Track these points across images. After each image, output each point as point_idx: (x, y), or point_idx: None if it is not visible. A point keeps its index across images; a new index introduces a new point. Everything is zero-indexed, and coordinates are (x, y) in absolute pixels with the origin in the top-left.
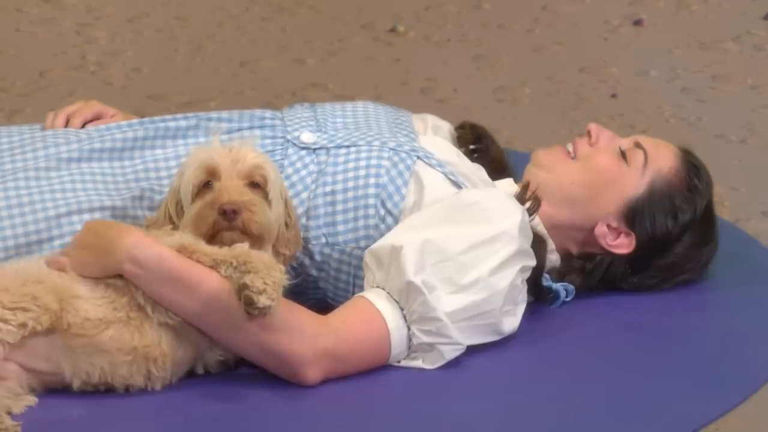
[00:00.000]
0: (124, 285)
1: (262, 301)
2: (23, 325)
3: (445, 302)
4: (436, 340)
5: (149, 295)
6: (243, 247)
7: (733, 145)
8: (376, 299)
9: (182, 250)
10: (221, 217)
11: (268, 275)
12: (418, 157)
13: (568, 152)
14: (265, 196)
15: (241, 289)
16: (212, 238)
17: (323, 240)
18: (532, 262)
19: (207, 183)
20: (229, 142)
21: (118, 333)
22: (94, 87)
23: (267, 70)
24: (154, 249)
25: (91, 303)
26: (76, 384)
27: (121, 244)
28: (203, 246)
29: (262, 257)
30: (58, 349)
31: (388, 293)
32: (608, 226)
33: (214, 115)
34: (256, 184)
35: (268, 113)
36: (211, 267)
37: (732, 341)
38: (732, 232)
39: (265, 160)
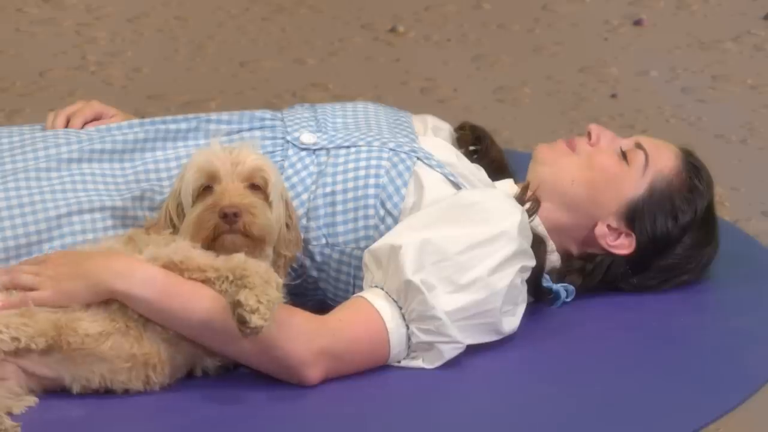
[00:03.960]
0: (117, 300)
1: (255, 320)
2: (16, 339)
3: (444, 301)
4: (435, 339)
5: (143, 315)
6: (240, 258)
7: (733, 145)
8: (375, 299)
9: (172, 266)
10: (222, 220)
11: (263, 293)
12: (418, 158)
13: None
14: (266, 198)
15: (235, 306)
16: (213, 241)
17: (323, 241)
18: (532, 263)
19: (207, 186)
20: (230, 145)
21: (118, 343)
22: (94, 87)
23: (267, 70)
24: (145, 270)
25: (88, 321)
26: (75, 389)
27: (110, 267)
28: (197, 259)
29: (260, 269)
30: (57, 358)
31: (387, 293)
32: (608, 226)
33: (213, 116)
34: (257, 186)
35: (268, 114)
36: (204, 282)
37: (732, 341)
38: (732, 232)
39: (266, 161)
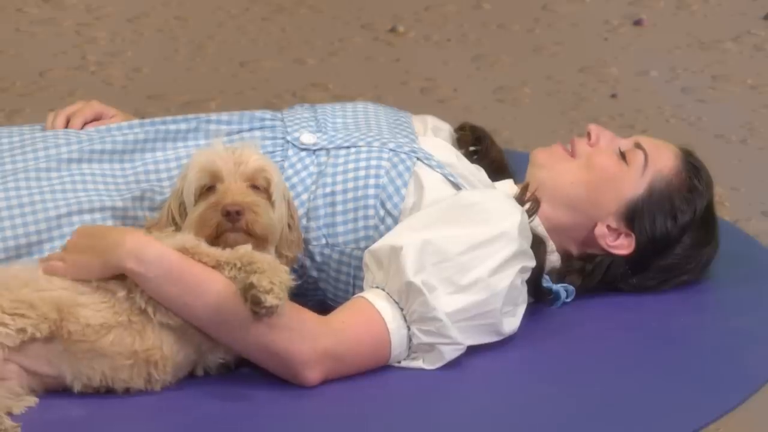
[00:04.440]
0: (124, 288)
1: (270, 300)
2: (22, 330)
3: (445, 302)
4: (436, 340)
5: (152, 295)
6: (246, 249)
7: (733, 145)
8: (376, 300)
9: (184, 251)
10: (225, 218)
11: (274, 275)
12: (418, 158)
13: (567, 150)
14: (268, 198)
15: (248, 289)
16: (216, 239)
17: (323, 241)
18: (532, 263)
19: (210, 186)
20: (232, 145)
21: (119, 337)
22: (94, 87)
23: (267, 70)
24: (158, 248)
25: (91, 309)
26: (76, 387)
27: (123, 243)
28: (205, 247)
29: (266, 258)
30: (59, 353)
31: (388, 294)
32: (608, 226)
33: (213, 117)
34: (258, 187)
35: (268, 114)
36: (214, 267)
37: (732, 341)
38: (732, 232)
39: (268, 162)
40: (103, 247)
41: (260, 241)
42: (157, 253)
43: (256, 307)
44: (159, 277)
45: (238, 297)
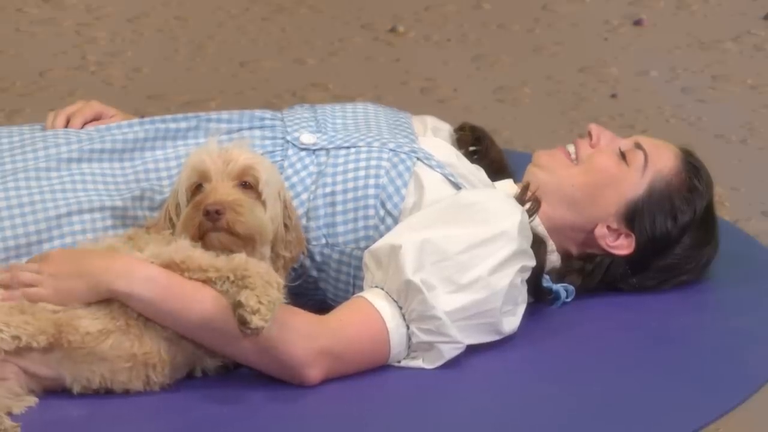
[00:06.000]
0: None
1: (255, 321)
2: (17, 338)
3: (445, 301)
4: (435, 338)
5: (143, 314)
6: (241, 258)
7: (733, 145)
8: (375, 299)
9: (173, 266)
10: (205, 217)
11: (264, 293)
12: (418, 158)
13: (569, 154)
14: (258, 196)
15: (236, 307)
16: (201, 240)
17: (323, 241)
18: (532, 263)
19: (200, 185)
20: (224, 143)
21: (118, 341)
22: (94, 87)
23: (267, 70)
24: (146, 270)
25: (89, 318)
26: (76, 389)
27: (111, 267)
28: (198, 259)
29: (260, 270)
30: (58, 357)
31: (387, 293)
32: (608, 227)
33: (213, 115)
34: (250, 186)
35: (268, 114)
36: (205, 282)
37: (732, 341)
38: (732, 232)
39: (258, 160)
40: (89, 272)
41: (246, 241)
42: (146, 275)
43: (242, 326)
44: (149, 299)
45: (228, 312)
